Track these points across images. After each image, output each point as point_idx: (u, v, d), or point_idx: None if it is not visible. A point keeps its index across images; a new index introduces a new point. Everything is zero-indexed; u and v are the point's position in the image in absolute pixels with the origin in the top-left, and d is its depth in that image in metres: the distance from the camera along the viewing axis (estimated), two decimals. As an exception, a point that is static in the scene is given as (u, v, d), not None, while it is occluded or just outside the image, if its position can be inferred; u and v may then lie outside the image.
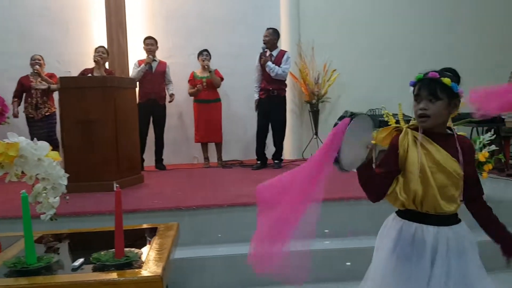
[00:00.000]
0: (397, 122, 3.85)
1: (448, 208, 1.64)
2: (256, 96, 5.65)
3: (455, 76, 1.67)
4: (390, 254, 1.71)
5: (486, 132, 3.96)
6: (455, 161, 1.64)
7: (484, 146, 3.58)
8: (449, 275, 1.61)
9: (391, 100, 4.42)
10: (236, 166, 6.07)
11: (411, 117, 4.55)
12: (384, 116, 4.02)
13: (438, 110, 1.63)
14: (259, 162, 5.72)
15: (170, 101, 5.98)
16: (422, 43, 6.59)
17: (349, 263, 3.28)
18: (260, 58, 5.58)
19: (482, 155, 3.47)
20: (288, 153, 6.58)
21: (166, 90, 5.98)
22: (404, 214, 1.72)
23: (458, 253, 1.64)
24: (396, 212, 1.79)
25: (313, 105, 6.50)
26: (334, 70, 6.35)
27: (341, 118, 1.57)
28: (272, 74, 5.50)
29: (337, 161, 1.52)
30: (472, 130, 5.86)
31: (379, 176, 1.69)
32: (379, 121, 5.62)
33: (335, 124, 1.56)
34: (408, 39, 6.62)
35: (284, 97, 5.72)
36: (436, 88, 1.62)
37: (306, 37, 6.49)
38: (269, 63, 5.46)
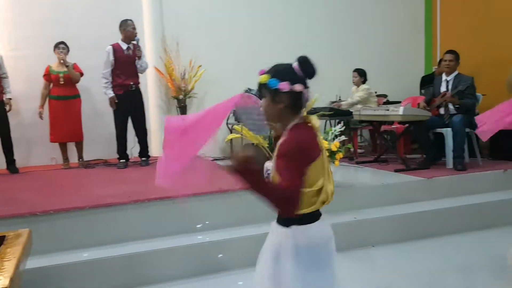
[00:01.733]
0: (260, 116, 4.04)
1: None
2: (111, 93, 5.36)
3: (283, 70, 1.64)
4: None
5: (337, 124, 4.36)
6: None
7: (336, 136, 3.94)
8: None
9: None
10: (100, 165, 5.76)
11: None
12: (248, 110, 4.17)
13: (264, 109, 1.63)
14: (123, 160, 5.50)
15: (8, 110, 5.37)
16: (287, 40, 6.94)
17: (221, 255, 3.37)
18: (115, 51, 5.33)
19: (333, 145, 3.82)
20: (156, 150, 6.45)
21: (2, 86, 5.34)
22: None
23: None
24: None
25: (181, 101, 6.47)
26: (200, 65, 6.39)
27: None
28: (142, 68, 5.46)
29: None
30: (325, 123, 6.41)
31: None
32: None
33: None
34: (274, 35, 6.91)
35: (141, 91, 5.59)
36: (261, 86, 1.63)
37: (170, 32, 6.41)
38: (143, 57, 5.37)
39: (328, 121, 6.32)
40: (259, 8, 6.92)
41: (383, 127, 5.96)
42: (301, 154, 1.54)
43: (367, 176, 4.93)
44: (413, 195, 4.34)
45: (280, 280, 1.59)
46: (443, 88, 5.24)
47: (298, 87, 1.61)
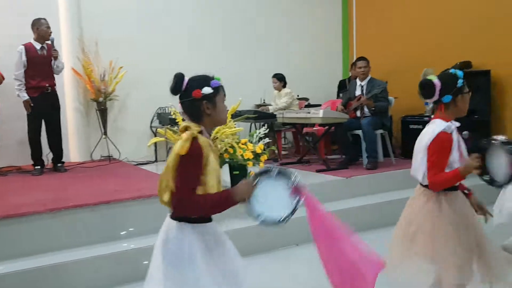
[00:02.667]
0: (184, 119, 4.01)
1: None
2: (25, 96, 5.01)
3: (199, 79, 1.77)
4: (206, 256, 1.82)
5: (262, 126, 4.46)
6: None
7: (260, 139, 4.03)
8: None
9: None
10: (13, 173, 5.37)
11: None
12: (172, 114, 4.13)
13: None
14: (38, 167, 5.18)
15: None
16: (211, 41, 6.93)
17: (146, 262, 3.29)
18: (28, 51, 4.98)
19: (258, 147, 3.90)
20: (75, 155, 6.15)
21: None
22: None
23: None
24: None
25: (101, 104, 6.21)
26: (121, 67, 6.19)
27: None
28: (59, 69, 5.25)
29: None
30: (250, 125, 6.50)
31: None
32: (169, 119, 5.76)
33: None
34: (198, 36, 6.87)
35: (57, 93, 5.32)
36: None
37: (88, 31, 6.13)
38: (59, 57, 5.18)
39: (253, 124, 6.42)
40: (182, 9, 6.84)
41: (305, 129, 6.17)
42: None
43: (291, 177, 5.07)
44: (334, 194, 4.53)
45: None
46: (358, 92, 5.56)
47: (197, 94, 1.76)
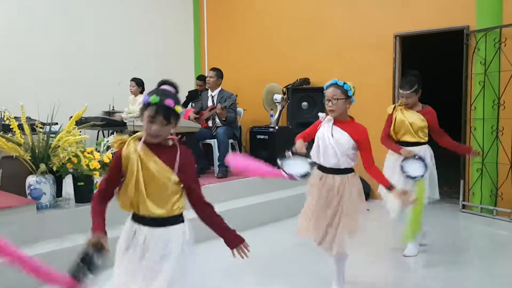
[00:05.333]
0: (20, 125, 3.60)
1: (158, 211, 1.87)
2: None
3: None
4: (122, 252, 1.90)
5: (111, 134, 4.26)
6: (170, 170, 1.87)
7: (109, 147, 3.84)
8: (152, 270, 1.86)
9: (14, 102, 4.10)
10: None
11: (35, 119, 4.35)
12: (6, 119, 3.69)
13: (168, 131, 1.88)
14: None
15: None
16: (50, 45, 6.43)
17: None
18: None
19: (106, 156, 3.71)
20: None
21: None
22: (132, 216, 1.94)
23: (163, 251, 1.88)
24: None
25: None
26: None
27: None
28: None
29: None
30: (98, 133, 6.16)
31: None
32: (1, 125, 5.12)
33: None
34: (38, 36, 6.30)
35: None
36: (170, 115, 1.85)
37: None
38: None
39: (101, 132, 6.09)
40: (17, 8, 6.19)
41: (157, 138, 6.06)
42: None
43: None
44: (187, 203, 4.53)
45: None
46: (209, 103, 5.69)
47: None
